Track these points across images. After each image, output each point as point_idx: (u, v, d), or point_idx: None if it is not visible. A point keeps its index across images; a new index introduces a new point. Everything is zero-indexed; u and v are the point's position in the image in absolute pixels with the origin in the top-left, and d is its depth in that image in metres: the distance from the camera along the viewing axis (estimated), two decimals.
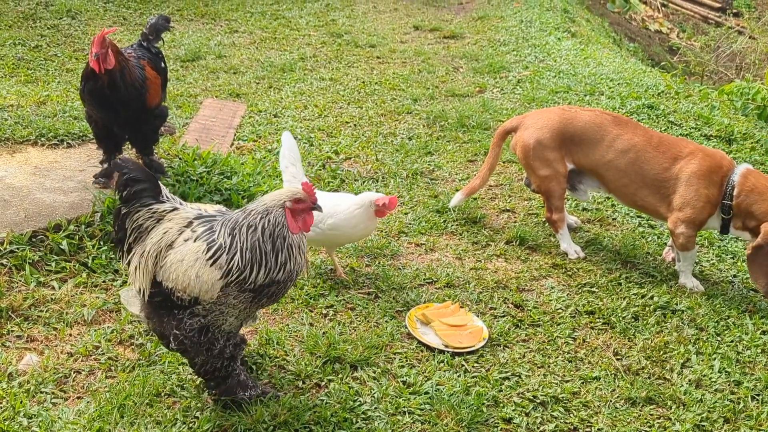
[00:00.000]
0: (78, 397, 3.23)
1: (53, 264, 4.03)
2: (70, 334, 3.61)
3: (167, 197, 3.01)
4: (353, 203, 3.98)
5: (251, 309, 2.94)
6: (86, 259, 4.10)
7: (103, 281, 4.01)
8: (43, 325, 3.65)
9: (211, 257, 2.82)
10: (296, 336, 3.67)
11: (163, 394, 3.22)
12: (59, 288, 3.89)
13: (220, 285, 2.81)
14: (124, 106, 4.44)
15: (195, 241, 2.86)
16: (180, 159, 5.20)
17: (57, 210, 4.34)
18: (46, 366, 3.37)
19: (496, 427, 3.20)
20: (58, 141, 5.27)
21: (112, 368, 3.39)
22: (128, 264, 3.01)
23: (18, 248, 4.00)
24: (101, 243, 4.17)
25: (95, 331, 3.61)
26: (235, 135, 6.04)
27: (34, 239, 4.10)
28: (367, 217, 3.99)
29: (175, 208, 2.98)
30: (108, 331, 3.61)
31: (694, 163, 4.32)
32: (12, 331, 3.61)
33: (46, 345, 3.54)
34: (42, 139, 5.26)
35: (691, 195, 4.29)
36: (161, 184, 3.04)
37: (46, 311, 3.73)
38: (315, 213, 3.80)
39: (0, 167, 4.85)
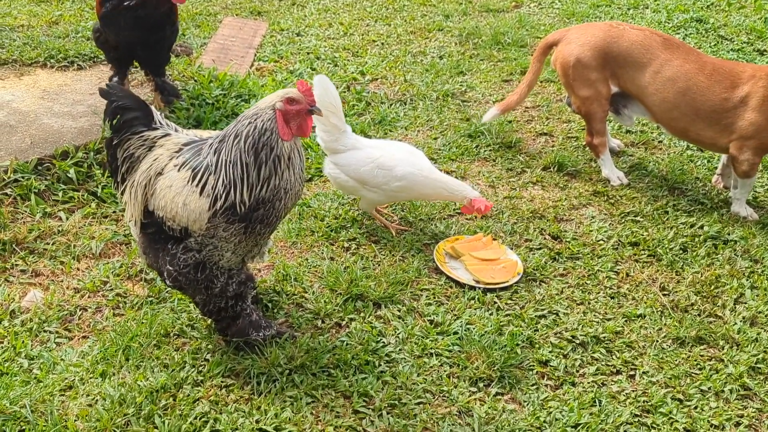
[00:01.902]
0: (83, 337, 3.07)
1: (60, 194, 3.84)
2: (77, 269, 3.44)
3: (160, 123, 2.81)
4: (444, 185, 3.61)
5: (248, 242, 2.73)
6: (95, 188, 3.93)
7: (113, 212, 3.83)
8: (48, 259, 3.48)
9: (197, 183, 2.62)
10: (315, 271, 3.47)
11: (171, 334, 3.04)
12: (66, 219, 3.71)
13: (207, 215, 2.61)
14: (160, 27, 4.33)
15: (180, 168, 2.67)
16: (195, 81, 4.97)
17: (65, 136, 4.14)
18: (51, 303, 3.21)
19: (532, 370, 3.00)
20: (68, 63, 5.05)
21: (120, 305, 3.23)
22: (122, 194, 2.84)
23: (23, 177, 3.81)
24: None
25: (103, 265, 3.45)
26: (255, 55, 5.75)
27: (40, 167, 3.90)
28: (445, 199, 3.72)
29: (167, 134, 2.78)
30: (117, 266, 3.45)
31: (765, 86, 3.91)
32: (16, 265, 3.43)
33: (52, 280, 3.37)
34: (51, 60, 5.04)
35: (764, 121, 3.90)
36: (154, 111, 2.83)
37: (53, 244, 3.56)
38: (378, 171, 3.56)
39: (7, 91, 4.62)
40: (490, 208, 3.63)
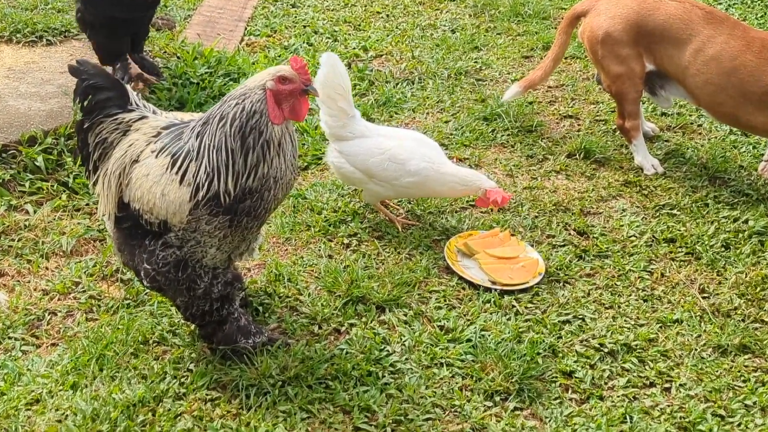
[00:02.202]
0: (52, 344, 3.07)
1: (27, 184, 3.85)
2: (46, 268, 3.45)
3: (136, 104, 2.82)
4: (457, 177, 3.60)
5: (234, 237, 2.73)
6: (66, 178, 3.93)
7: (86, 204, 3.83)
8: (14, 257, 3.49)
9: (177, 170, 2.62)
10: (312, 271, 3.46)
11: (151, 341, 3.04)
12: (34, 213, 3.72)
13: (188, 206, 2.62)
14: (151, 5, 4.43)
15: (158, 155, 2.67)
16: (178, 58, 4.96)
17: (32, 119, 4.13)
18: (17, 306, 3.21)
19: (554, 382, 2.99)
20: (36, 37, 5.04)
21: (93, 309, 3.24)
22: (95, 184, 2.85)
23: None
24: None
25: (75, 264, 3.45)
26: (245, 29, 5.73)
27: (4, 155, 3.90)
28: (460, 194, 3.73)
29: (144, 117, 2.79)
30: (90, 265, 3.45)
31: None
32: None
33: (18, 281, 3.37)
34: (18, 35, 5.02)
35: None
36: (129, 90, 2.83)
37: (18, 240, 3.56)
38: (389, 164, 3.57)
39: None
40: (507, 200, 3.61)
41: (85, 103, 2.77)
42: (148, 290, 3.19)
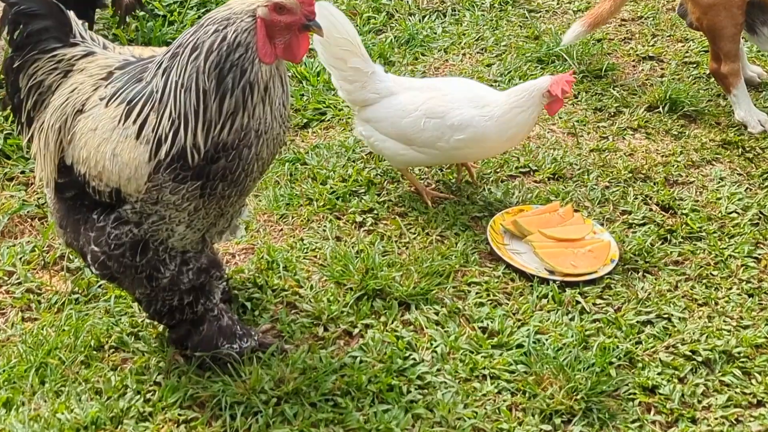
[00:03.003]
0: None
1: None
2: None
3: (81, 37, 2.83)
4: (508, 106, 3.59)
5: (208, 210, 2.73)
6: None
7: (22, 172, 3.90)
8: None
9: (134, 121, 2.62)
10: (314, 257, 3.50)
11: (107, 346, 3.07)
12: None
13: (147, 169, 2.62)
14: None
15: (109, 102, 2.67)
16: None
17: None
18: None
19: (632, 400, 2.99)
20: None
21: (32, 306, 3.28)
22: (29, 142, 2.87)
23: None
24: None
25: (8, 248, 3.50)
26: None
27: None
28: (527, 124, 3.67)
29: (91, 53, 2.80)
30: (27, 249, 3.50)
31: None
32: None
33: None
34: None
35: None
36: (72, 18, 2.84)
37: None
38: (427, 122, 3.60)
39: None
40: (572, 82, 3.57)
41: (15, 35, 2.78)
42: (101, 280, 3.22)
